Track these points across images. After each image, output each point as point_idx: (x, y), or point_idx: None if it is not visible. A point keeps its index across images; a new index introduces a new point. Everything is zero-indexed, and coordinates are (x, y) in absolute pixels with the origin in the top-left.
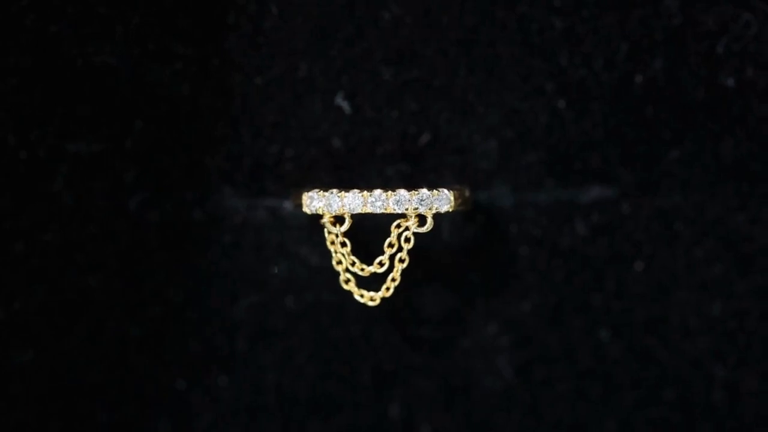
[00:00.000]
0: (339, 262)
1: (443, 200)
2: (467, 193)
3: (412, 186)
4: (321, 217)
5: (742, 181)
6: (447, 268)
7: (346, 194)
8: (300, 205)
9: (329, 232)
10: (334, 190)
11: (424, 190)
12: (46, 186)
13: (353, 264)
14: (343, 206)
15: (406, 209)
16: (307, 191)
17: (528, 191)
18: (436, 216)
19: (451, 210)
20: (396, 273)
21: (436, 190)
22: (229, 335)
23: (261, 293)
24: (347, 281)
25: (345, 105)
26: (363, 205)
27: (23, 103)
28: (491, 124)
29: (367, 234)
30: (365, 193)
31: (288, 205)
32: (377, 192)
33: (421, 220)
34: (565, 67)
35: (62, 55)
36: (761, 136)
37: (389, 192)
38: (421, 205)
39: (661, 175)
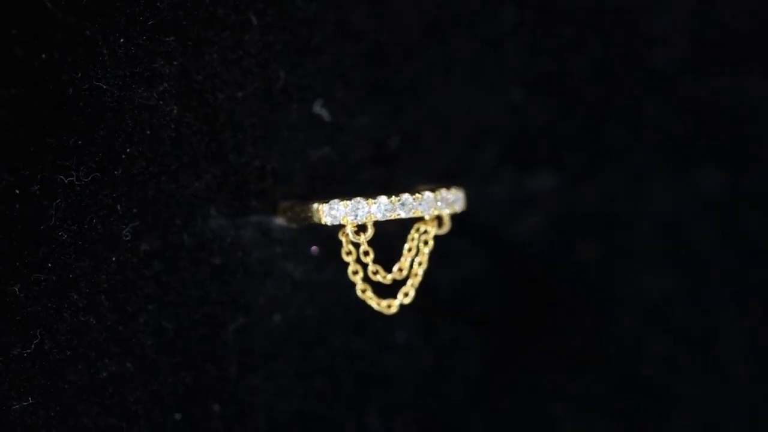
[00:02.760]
0: (355, 272)
1: (460, 200)
2: None
3: (387, 190)
4: (341, 227)
5: (677, 157)
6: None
7: (374, 201)
8: (305, 219)
9: (348, 242)
10: (359, 198)
11: (444, 191)
12: (41, 221)
13: (376, 272)
14: (370, 213)
15: (432, 211)
16: (323, 201)
17: (487, 186)
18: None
19: (464, 209)
20: (416, 278)
21: (454, 188)
22: (221, 361)
23: (249, 314)
24: (364, 291)
25: (324, 113)
26: (391, 211)
27: (16, 138)
28: (453, 121)
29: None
30: (393, 198)
31: (278, 220)
32: (404, 196)
33: (438, 221)
34: (516, 59)
35: (53, 83)
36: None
37: (417, 195)
38: (445, 206)
39: (608, 154)
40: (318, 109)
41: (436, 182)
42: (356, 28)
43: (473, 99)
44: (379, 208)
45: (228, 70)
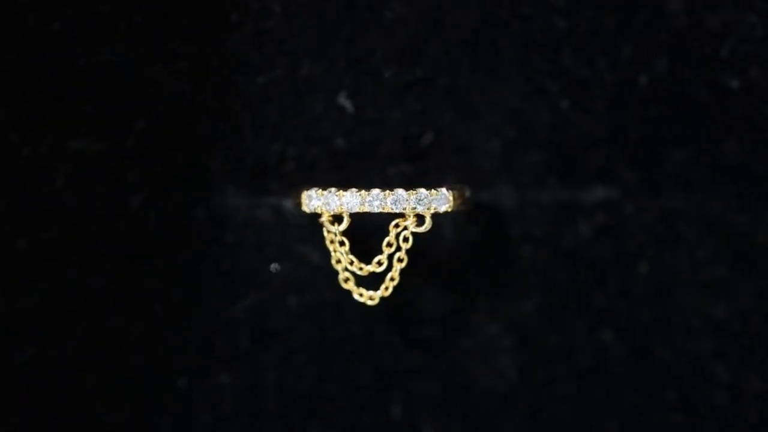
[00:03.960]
0: (338, 261)
1: (441, 200)
2: (467, 193)
3: (413, 186)
4: (320, 216)
5: (745, 182)
6: (449, 267)
7: (345, 193)
8: (300, 205)
9: (328, 231)
10: (333, 189)
11: (422, 190)
12: (48, 184)
13: (351, 263)
14: (341, 205)
15: (404, 209)
16: (306, 190)
17: (531, 191)
18: (438, 215)
19: (449, 210)
20: (395, 272)
21: (435, 189)
22: (230, 334)
23: (262, 292)
24: (346, 280)
25: (348, 104)
26: (361, 205)
27: (25, 101)
28: (494, 124)
29: (367, 233)
30: (363, 192)
31: (288, 204)
32: (375, 191)
33: (420, 219)
34: (568, 67)
35: (64, 53)
36: (764, 137)
37: (387, 191)
38: (419, 204)
39: (664, 175)
40: (342, 100)
41: (469, 183)
42: (391, 23)
43: (518, 104)
44: (349, 200)
45: (248, 55)
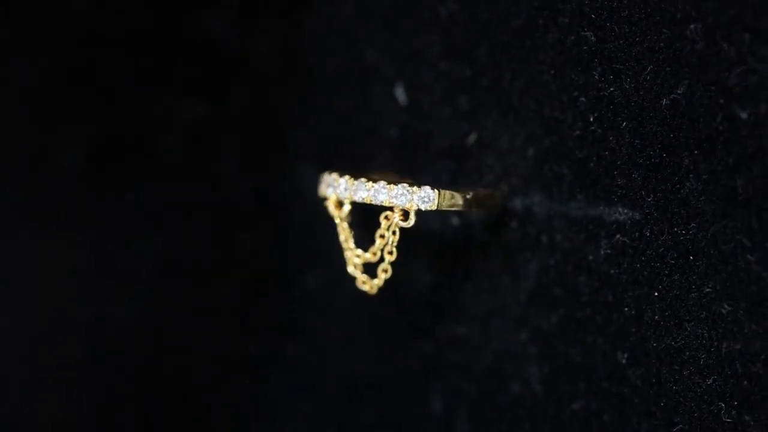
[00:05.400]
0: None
1: (425, 198)
2: (469, 196)
3: (456, 184)
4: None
5: (755, 217)
6: (481, 268)
7: (341, 180)
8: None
9: (332, 216)
10: (335, 175)
11: (404, 185)
12: (157, 143)
13: (352, 249)
14: (336, 192)
15: (382, 202)
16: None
17: (557, 203)
18: (473, 215)
19: (434, 209)
20: (386, 264)
21: (417, 187)
22: (299, 308)
23: (327, 270)
24: (355, 267)
25: (402, 96)
26: (350, 193)
27: (136, 66)
28: (530, 131)
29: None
30: (351, 180)
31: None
32: (360, 181)
33: (405, 214)
34: (596, 82)
35: (174, 20)
36: None
37: (370, 183)
38: (397, 200)
39: (678, 203)
40: (398, 93)
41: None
42: (444, 21)
43: (551, 114)
44: (341, 187)
45: (320, 39)
